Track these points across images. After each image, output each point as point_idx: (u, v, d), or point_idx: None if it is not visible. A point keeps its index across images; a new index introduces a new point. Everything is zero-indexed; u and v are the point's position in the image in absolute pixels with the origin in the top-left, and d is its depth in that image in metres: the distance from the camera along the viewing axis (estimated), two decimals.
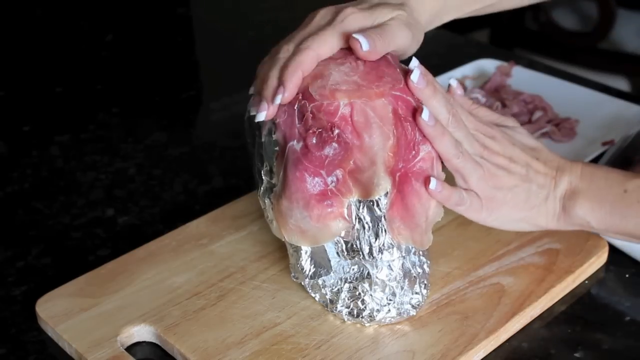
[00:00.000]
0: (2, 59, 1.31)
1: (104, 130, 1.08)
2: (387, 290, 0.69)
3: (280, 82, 0.67)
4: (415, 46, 0.74)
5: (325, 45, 0.69)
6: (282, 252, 0.79)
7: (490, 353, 0.70)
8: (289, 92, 0.67)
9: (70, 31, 1.40)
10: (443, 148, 0.68)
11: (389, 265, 0.68)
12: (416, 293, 0.70)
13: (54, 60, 1.29)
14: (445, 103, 0.69)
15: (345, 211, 0.67)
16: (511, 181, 0.71)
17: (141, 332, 0.71)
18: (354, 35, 0.67)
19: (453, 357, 0.67)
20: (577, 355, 0.70)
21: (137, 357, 0.70)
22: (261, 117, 0.68)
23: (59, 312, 0.72)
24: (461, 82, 1.09)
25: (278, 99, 0.67)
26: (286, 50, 0.69)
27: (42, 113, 1.14)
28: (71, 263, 0.82)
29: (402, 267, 0.69)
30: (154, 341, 0.72)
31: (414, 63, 0.68)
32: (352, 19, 0.69)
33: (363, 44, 0.67)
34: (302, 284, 0.73)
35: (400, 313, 0.70)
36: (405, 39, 0.71)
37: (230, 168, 0.98)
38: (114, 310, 0.72)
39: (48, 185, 0.96)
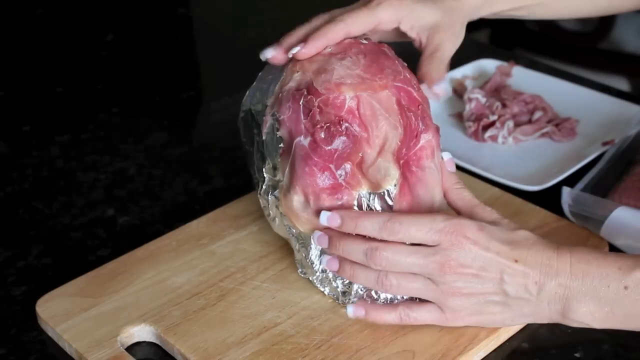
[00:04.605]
0: (2, 59, 1.31)
1: (104, 130, 1.08)
2: None
3: (303, 40, 0.71)
4: (454, 40, 0.79)
5: (358, 23, 0.73)
6: (282, 252, 0.79)
7: (490, 353, 0.70)
8: (307, 49, 0.71)
9: (71, 31, 1.39)
10: (363, 283, 0.68)
11: None
12: None
13: (54, 60, 1.29)
14: (359, 246, 0.65)
15: (356, 203, 0.67)
16: (480, 291, 0.65)
17: (141, 332, 0.71)
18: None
19: (453, 357, 0.67)
20: (577, 355, 0.70)
21: (137, 357, 0.70)
22: (267, 54, 0.73)
23: (59, 312, 0.72)
24: (461, 82, 1.09)
25: (294, 50, 0.71)
26: (322, 18, 0.74)
27: (42, 113, 1.14)
28: (71, 263, 0.82)
29: None
30: (154, 341, 0.72)
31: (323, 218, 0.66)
32: (388, 5, 0.75)
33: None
34: (310, 279, 0.73)
35: (412, 300, 0.70)
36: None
37: (230, 168, 0.98)
38: (114, 310, 0.72)
39: (48, 185, 0.96)
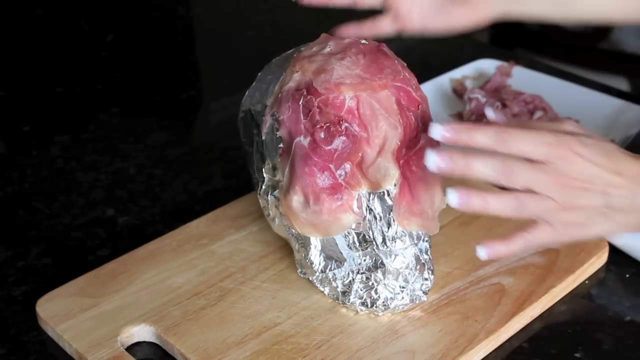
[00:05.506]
0: (2, 59, 1.31)
1: (104, 130, 1.08)
2: (400, 278, 0.69)
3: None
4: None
5: None
6: (282, 252, 0.79)
7: (490, 353, 0.70)
8: None
9: (71, 31, 1.40)
10: (497, 212, 0.65)
11: (402, 254, 0.69)
12: (425, 279, 0.71)
13: (54, 60, 1.29)
14: (488, 162, 0.64)
15: (355, 203, 0.67)
16: (588, 204, 0.66)
17: (141, 332, 0.71)
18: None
19: (453, 357, 0.67)
20: (577, 355, 0.70)
21: (137, 357, 0.70)
22: None
23: (59, 312, 0.72)
24: (461, 82, 1.09)
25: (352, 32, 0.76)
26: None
27: (42, 113, 1.14)
28: (71, 263, 0.82)
29: (414, 254, 0.69)
30: (154, 341, 0.72)
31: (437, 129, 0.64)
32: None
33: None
34: (310, 279, 0.73)
35: (412, 299, 0.71)
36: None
37: (230, 168, 0.98)
38: (114, 310, 0.72)
39: (48, 185, 0.96)
